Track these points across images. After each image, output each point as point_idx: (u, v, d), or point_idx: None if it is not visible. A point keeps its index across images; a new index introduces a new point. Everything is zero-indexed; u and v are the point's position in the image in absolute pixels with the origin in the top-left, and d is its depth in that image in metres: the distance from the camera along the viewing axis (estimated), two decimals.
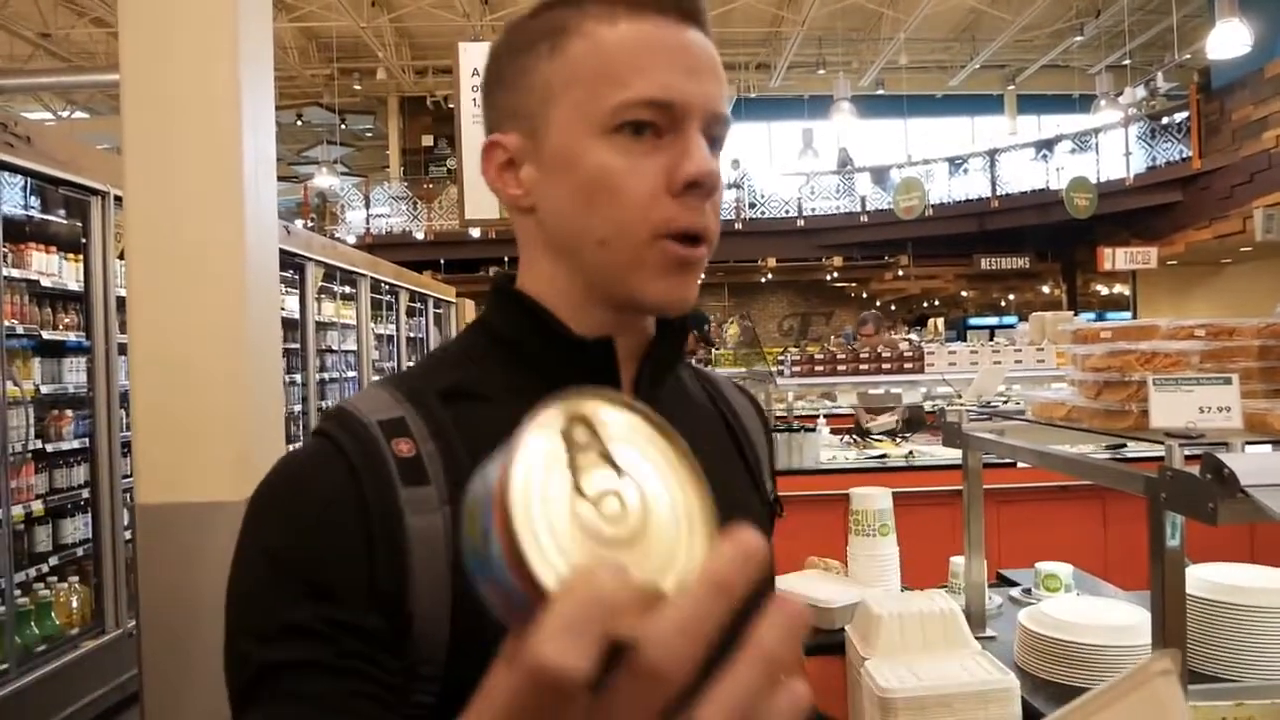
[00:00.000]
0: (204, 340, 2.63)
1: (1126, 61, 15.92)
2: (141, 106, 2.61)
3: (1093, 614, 1.83)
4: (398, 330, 9.69)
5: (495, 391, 0.70)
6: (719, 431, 0.84)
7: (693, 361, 0.90)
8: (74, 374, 4.05)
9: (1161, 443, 1.31)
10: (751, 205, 17.39)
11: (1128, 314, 14.58)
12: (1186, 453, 1.26)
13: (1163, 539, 1.26)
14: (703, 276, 0.73)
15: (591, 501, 0.36)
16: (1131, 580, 2.11)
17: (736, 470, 0.83)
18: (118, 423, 4.03)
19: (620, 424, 0.38)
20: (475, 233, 14.69)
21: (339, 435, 0.65)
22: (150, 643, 2.62)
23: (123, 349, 3.90)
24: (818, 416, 5.77)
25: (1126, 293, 15.35)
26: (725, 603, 0.33)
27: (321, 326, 7.43)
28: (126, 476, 4.02)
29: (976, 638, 1.90)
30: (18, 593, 3.62)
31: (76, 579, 3.95)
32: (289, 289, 6.81)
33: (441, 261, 16.66)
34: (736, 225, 17.00)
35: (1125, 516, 3.72)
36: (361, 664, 0.59)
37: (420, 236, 16.63)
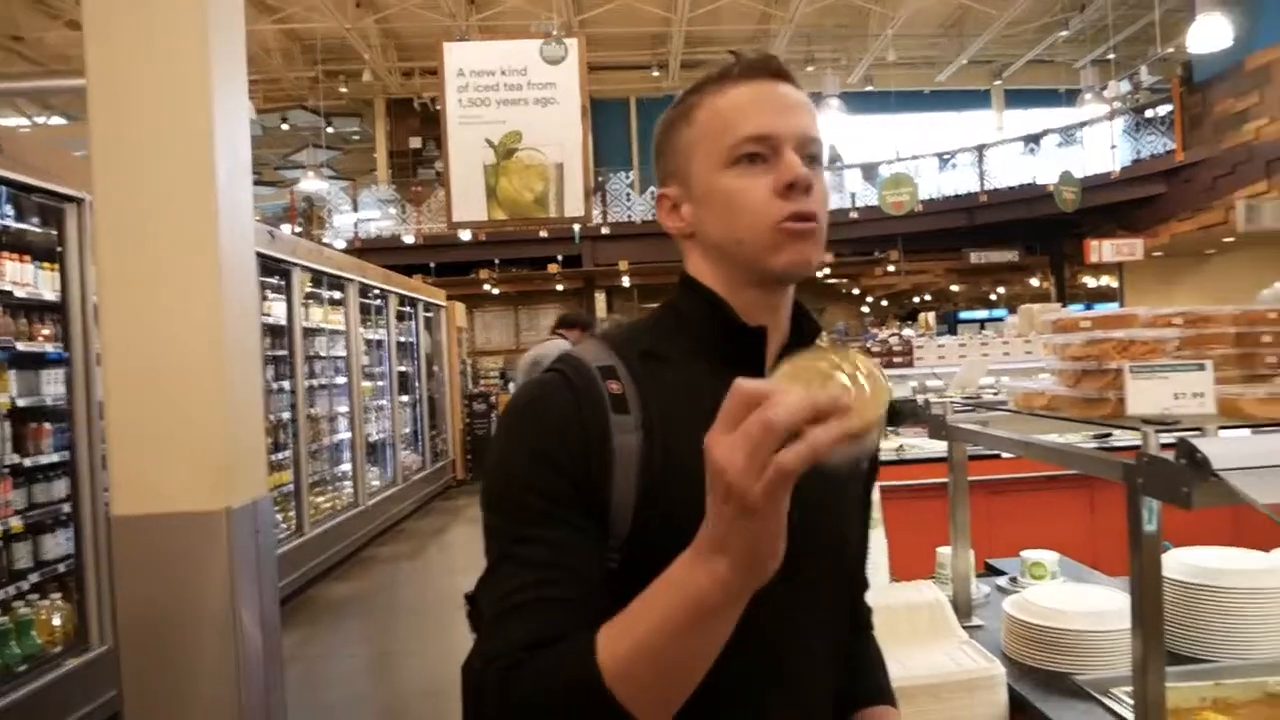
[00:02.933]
0: (178, 347, 2.60)
1: (1111, 56, 15.96)
2: (109, 111, 2.58)
3: (1075, 600, 1.82)
4: (388, 334, 9.65)
5: (676, 355, 0.96)
6: None
7: None
8: (52, 386, 3.98)
9: (1139, 429, 1.30)
10: None
11: (1116, 305, 14.61)
12: (1164, 439, 1.25)
13: (1140, 524, 1.25)
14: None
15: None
16: (1119, 566, 2.11)
17: None
18: (98, 435, 3.97)
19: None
20: (465, 235, 14.64)
21: (569, 372, 0.91)
22: (130, 659, 2.58)
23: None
24: None
25: (1114, 284, 15.39)
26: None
27: (309, 333, 7.39)
28: (108, 490, 3.97)
29: (964, 627, 1.90)
30: None
31: (59, 596, 3.89)
32: (275, 295, 6.77)
33: (432, 265, 16.62)
34: None
35: (1112, 504, 3.71)
36: (583, 522, 0.85)
37: (409, 240, 16.59)
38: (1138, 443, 1.25)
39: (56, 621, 3.83)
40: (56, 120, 16.75)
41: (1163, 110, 13.15)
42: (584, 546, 0.84)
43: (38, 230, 3.98)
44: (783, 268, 0.94)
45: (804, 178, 0.92)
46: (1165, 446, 1.21)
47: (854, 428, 0.63)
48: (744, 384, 0.64)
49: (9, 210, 3.83)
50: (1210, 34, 8.79)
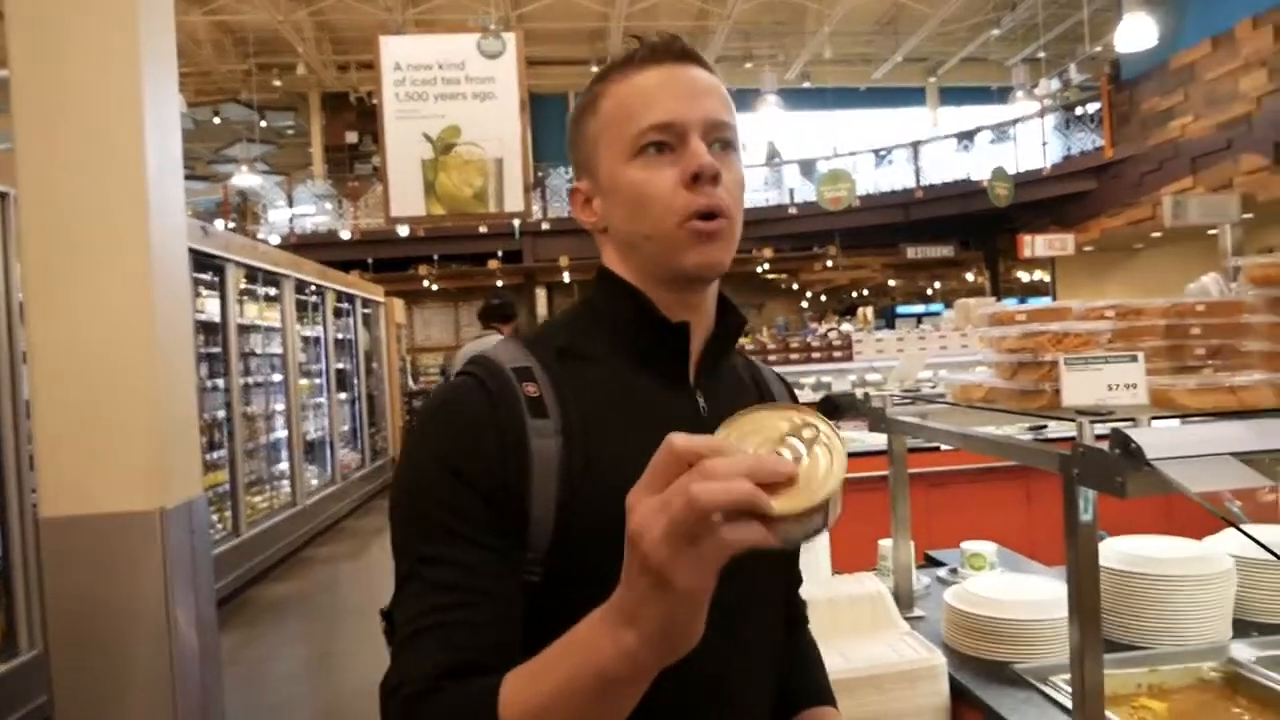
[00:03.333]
0: (108, 345, 2.52)
1: (1041, 54, 16.35)
2: (34, 102, 2.49)
3: (1014, 590, 1.86)
4: (325, 331, 9.47)
5: (596, 353, 0.92)
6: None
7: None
8: None
9: (1074, 420, 1.33)
10: None
11: (1049, 299, 15.00)
12: (1098, 430, 1.28)
13: (1076, 514, 1.27)
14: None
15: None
16: (1056, 556, 2.16)
17: None
18: (25, 435, 3.84)
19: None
20: (403, 230, 14.43)
21: (483, 375, 0.86)
22: (61, 663, 2.51)
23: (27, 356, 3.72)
24: None
25: (1047, 279, 15.79)
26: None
27: (244, 330, 7.21)
28: (36, 491, 3.84)
29: (905, 618, 1.92)
30: None
31: None
32: (209, 291, 6.60)
33: (369, 260, 16.35)
34: None
35: (1048, 494, 3.81)
36: (495, 541, 0.80)
37: (346, 235, 16.28)
38: (1073, 434, 1.27)
39: None
40: None
41: (1092, 108, 13.52)
42: (495, 567, 0.79)
43: None
44: (692, 269, 0.90)
45: (709, 167, 0.87)
46: (1100, 437, 1.24)
47: (798, 508, 0.55)
48: (677, 439, 0.57)
49: None
50: (1136, 34, 9.06)
